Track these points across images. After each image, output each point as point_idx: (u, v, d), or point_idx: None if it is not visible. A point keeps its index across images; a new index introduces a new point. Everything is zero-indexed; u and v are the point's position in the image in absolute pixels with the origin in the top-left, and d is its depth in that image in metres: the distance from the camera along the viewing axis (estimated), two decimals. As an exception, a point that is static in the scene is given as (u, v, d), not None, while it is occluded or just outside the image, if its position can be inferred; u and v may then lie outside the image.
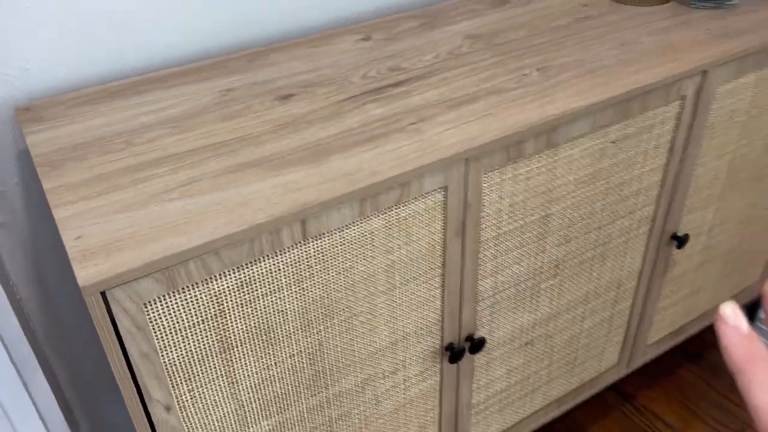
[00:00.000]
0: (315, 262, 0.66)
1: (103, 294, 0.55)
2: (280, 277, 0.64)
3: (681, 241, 1.01)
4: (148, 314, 0.58)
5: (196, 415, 0.67)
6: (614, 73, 0.81)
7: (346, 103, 0.78)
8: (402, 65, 0.86)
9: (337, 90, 0.81)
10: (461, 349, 0.84)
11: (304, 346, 0.71)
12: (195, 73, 0.86)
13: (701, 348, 1.49)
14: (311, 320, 0.70)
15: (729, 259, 1.18)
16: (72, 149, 0.71)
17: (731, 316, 0.28)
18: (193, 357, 0.63)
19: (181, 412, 0.66)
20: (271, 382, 0.71)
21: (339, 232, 0.66)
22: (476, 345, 0.85)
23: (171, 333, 0.60)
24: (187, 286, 0.59)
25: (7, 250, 0.92)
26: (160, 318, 0.59)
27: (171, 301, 0.59)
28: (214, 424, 0.69)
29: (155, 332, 0.59)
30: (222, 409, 0.69)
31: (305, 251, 0.65)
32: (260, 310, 0.65)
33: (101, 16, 0.84)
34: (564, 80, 0.80)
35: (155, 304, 0.58)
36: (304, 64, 0.87)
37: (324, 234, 0.65)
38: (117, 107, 0.79)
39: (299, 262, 0.65)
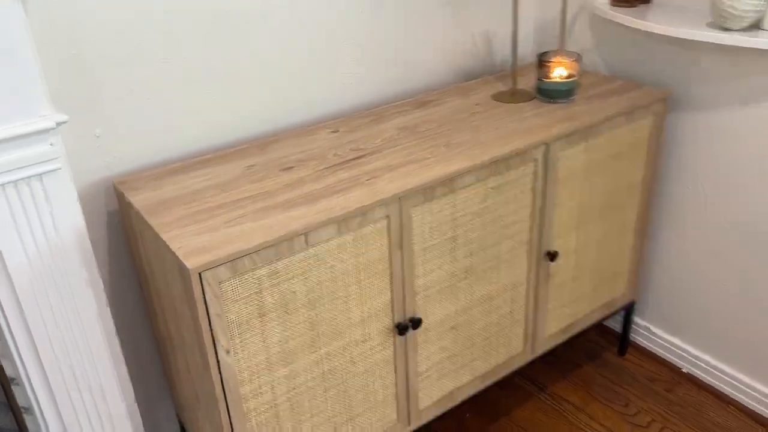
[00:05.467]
0: (313, 261, 1.12)
1: (199, 274, 0.99)
2: (293, 269, 1.10)
3: (552, 256, 1.50)
4: (221, 288, 1.02)
5: (243, 359, 1.10)
6: (489, 146, 1.32)
7: (325, 171, 1.26)
8: (360, 146, 1.35)
9: (319, 163, 1.29)
10: (406, 325, 1.30)
11: (307, 316, 1.15)
12: (227, 156, 1.34)
13: (598, 349, 1.96)
14: (312, 299, 1.15)
15: (596, 274, 1.66)
16: (160, 203, 1.17)
17: None
18: (242, 318, 1.07)
19: (235, 356, 1.09)
20: (287, 341, 1.15)
21: (326, 242, 1.12)
22: (416, 323, 1.31)
23: (231, 302, 1.05)
24: (242, 273, 1.04)
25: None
26: (227, 291, 1.03)
27: (233, 282, 1.04)
28: (252, 368, 1.12)
29: (224, 300, 1.04)
30: (258, 356, 1.12)
31: (307, 254, 1.11)
32: (282, 290, 1.10)
33: (164, 121, 1.33)
34: (459, 152, 1.30)
35: (225, 282, 1.03)
36: (297, 148, 1.36)
37: (318, 243, 1.11)
38: (180, 179, 1.26)
39: (304, 260, 1.11)
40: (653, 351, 1.91)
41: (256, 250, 1.04)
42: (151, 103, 1.30)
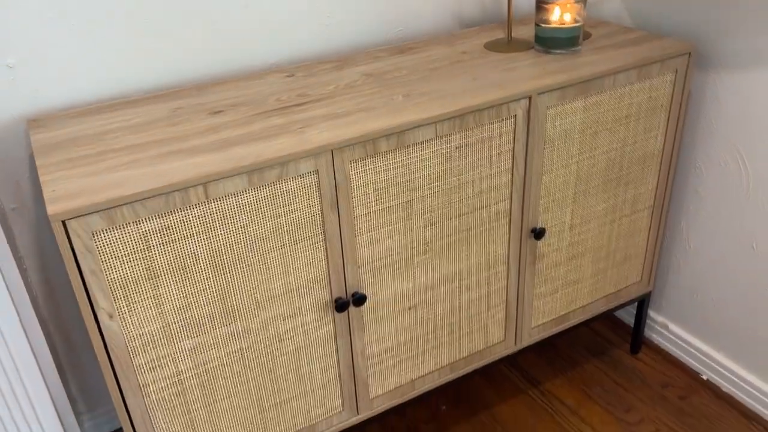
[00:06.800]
0: (217, 218, 0.95)
1: (63, 223, 0.84)
2: (191, 226, 0.94)
3: (538, 234, 1.27)
4: (95, 241, 0.87)
5: (132, 326, 0.95)
6: (457, 97, 1.11)
7: (256, 116, 1.08)
8: (308, 93, 1.17)
9: (254, 108, 1.12)
10: (346, 301, 1.11)
11: (214, 283, 0.99)
12: (157, 98, 1.18)
13: (607, 345, 1.72)
14: (218, 264, 0.98)
15: (600, 256, 1.42)
16: (60, 143, 1.03)
17: None
18: (128, 278, 0.92)
19: (121, 321, 0.94)
20: (189, 309, 0.99)
21: (234, 197, 0.95)
22: (358, 300, 1.12)
23: (111, 258, 0.90)
24: (122, 224, 0.88)
25: (17, 229, 1.23)
26: (104, 245, 0.88)
27: (111, 234, 0.88)
28: (146, 336, 0.97)
29: (100, 255, 0.88)
30: (152, 324, 0.97)
31: (209, 209, 0.94)
32: (177, 249, 0.94)
33: (91, 57, 1.18)
34: (419, 102, 1.10)
35: (100, 234, 0.87)
36: (238, 92, 1.19)
37: (223, 197, 0.94)
38: (98, 119, 1.11)
39: (205, 216, 0.94)
40: (670, 352, 1.65)
41: (138, 200, 0.88)
42: (80, 33, 1.15)
